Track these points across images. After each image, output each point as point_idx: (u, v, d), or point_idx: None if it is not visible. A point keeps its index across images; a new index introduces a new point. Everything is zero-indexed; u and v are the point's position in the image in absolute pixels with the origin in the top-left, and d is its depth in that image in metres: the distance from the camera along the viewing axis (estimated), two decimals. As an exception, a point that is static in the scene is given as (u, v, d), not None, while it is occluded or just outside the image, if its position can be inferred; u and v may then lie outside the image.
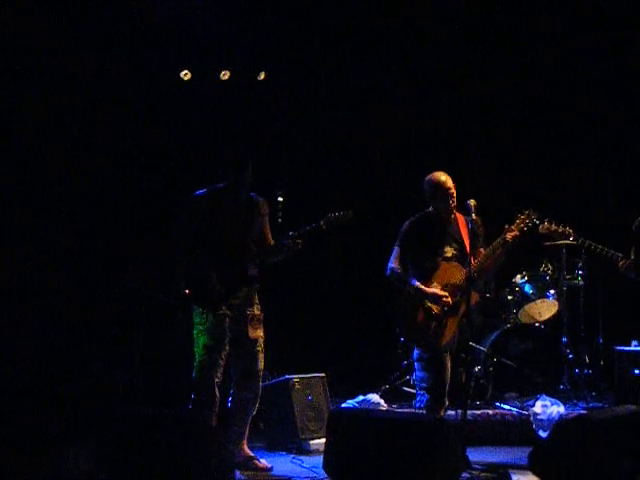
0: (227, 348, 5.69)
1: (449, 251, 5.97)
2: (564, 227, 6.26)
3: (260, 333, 5.81)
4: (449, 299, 5.84)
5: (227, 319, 5.68)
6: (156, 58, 8.15)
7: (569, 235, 6.26)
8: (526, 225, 5.82)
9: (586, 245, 6.24)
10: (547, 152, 8.94)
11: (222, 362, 5.69)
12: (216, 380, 5.66)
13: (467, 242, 5.91)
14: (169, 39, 8.08)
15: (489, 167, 8.87)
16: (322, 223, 5.78)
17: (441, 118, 8.97)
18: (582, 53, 8.51)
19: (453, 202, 5.94)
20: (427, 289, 5.88)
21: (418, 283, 5.89)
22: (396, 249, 6.05)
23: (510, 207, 6.04)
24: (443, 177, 5.95)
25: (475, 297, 5.90)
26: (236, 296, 5.73)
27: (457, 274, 5.89)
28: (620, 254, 6.19)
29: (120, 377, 7.23)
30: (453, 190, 5.92)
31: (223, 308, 5.67)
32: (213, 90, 8.52)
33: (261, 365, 5.83)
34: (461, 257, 5.93)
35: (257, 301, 5.86)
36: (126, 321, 7.33)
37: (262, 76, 8.66)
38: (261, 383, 5.90)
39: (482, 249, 5.94)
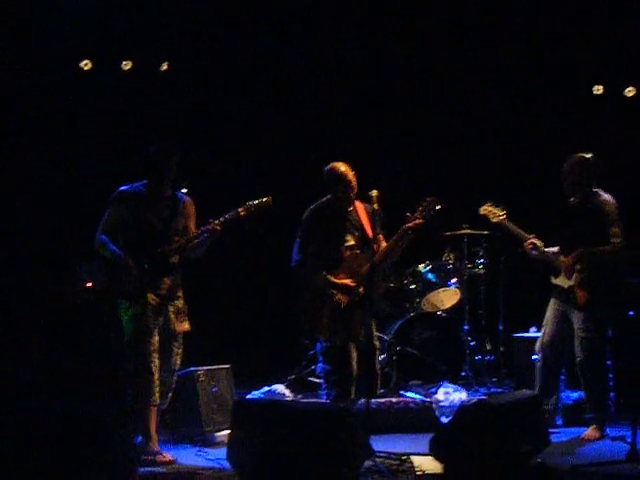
0: (156, 337, 5.67)
1: (351, 239, 5.96)
2: (501, 210, 6.45)
3: (186, 326, 5.84)
4: (360, 290, 5.85)
5: (150, 308, 5.67)
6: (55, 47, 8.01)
7: (502, 216, 6.44)
8: (429, 212, 5.84)
9: (509, 228, 6.41)
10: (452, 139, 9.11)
11: (155, 347, 5.66)
12: (153, 366, 5.63)
13: (368, 229, 5.95)
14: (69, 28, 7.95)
15: (392, 155, 8.98)
16: (240, 210, 5.81)
17: (342, 107, 9.03)
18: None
19: (353, 192, 5.96)
20: (338, 281, 5.88)
21: (326, 275, 5.89)
22: (299, 240, 6.01)
23: (414, 195, 6.08)
24: (343, 167, 5.95)
25: (381, 286, 5.95)
26: (158, 287, 5.72)
27: (362, 263, 5.90)
28: (535, 240, 6.37)
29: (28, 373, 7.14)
30: (353, 180, 5.93)
31: (146, 297, 5.66)
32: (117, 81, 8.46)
33: (178, 360, 5.85)
34: (362, 245, 5.95)
35: (181, 294, 5.86)
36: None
37: (165, 67, 8.61)
38: (174, 379, 5.87)
39: (381, 235, 5.98)
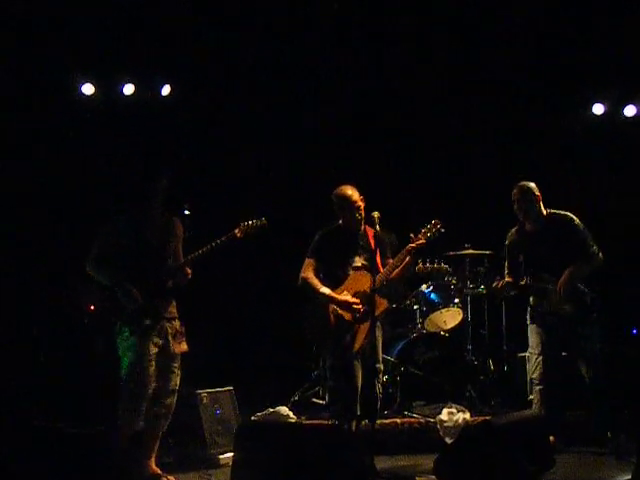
0: (153, 363, 5.66)
1: (359, 261, 6.01)
2: (439, 264, 6.54)
3: (184, 347, 5.84)
4: (359, 306, 5.87)
5: (150, 334, 5.67)
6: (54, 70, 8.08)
7: (446, 272, 6.69)
8: (433, 234, 5.89)
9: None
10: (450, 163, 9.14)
11: (151, 376, 5.64)
12: (145, 395, 5.62)
13: (377, 253, 5.95)
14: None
15: (393, 176, 9.01)
16: (237, 231, 5.85)
17: (348, 129, 9.08)
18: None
19: (360, 215, 5.99)
20: (338, 296, 5.92)
21: (329, 290, 5.92)
22: (307, 260, 6.06)
23: (417, 218, 6.12)
24: (349, 191, 6.00)
25: (384, 305, 5.95)
26: (158, 310, 5.73)
27: (366, 282, 5.88)
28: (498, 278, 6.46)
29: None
30: (360, 203, 5.99)
31: (144, 323, 5.65)
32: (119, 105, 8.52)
33: (177, 381, 5.82)
34: (370, 267, 5.93)
35: (177, 315, 5.86)
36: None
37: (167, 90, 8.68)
38: (175, 399, 5.85)
39: (391, 260, 5.99)
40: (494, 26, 8.62)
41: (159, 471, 5.80)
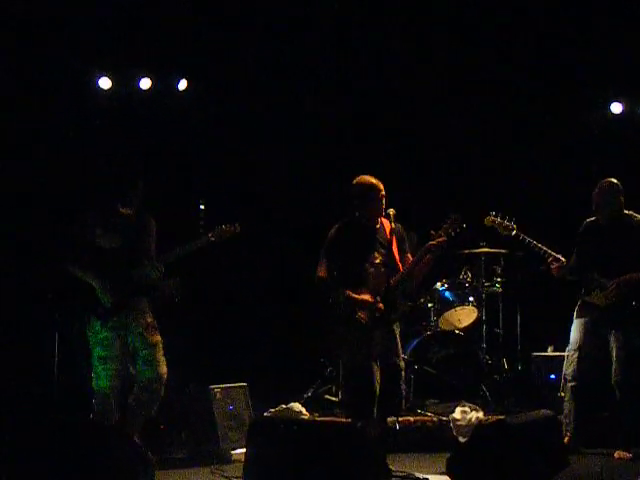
0: (122, 357, 5.76)
1: (377, 257, 5.80)
2: (508, 221, 6.42)
3: (158, 338, 5.86)
4: (380, 306, 5.71)
5: (120, 329, 5.76)
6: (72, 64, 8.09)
7: (512, 229, 6.41)
8: (454, 230, 5.76)
9: (527, 242, 6.37)
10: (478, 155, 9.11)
11: (116, 372, 5.75)
12: (112, 391, 5.73)
13: (395, 248, 5.86)
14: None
15: (408, 173, 8.98)
16: (210, 235, 5.95)
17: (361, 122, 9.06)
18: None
19: (383, 205, 5.86)
20: (357, 297, 5.73)
21: (348, 291, 5.74)
22: (323, 257, 5.91)
23: (437, 213, 6.06)
24: (374, 180, 5.87)
25: (405, 305, 5.89)
26: (128, 306, 5.79)
27: (385, 281, 5.75)
28: (558, 255, 6.35)
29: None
30: (384, 192, 5.86)
31: (114, 319, 5.74)
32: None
33: (165, 368, 5.84)
34: (388, 262, 5.79)
35: (149, 310, 5.90)
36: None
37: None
38: (161, 386, 5.87)
39: (410, 255, 5.91)
40: (498, 26, 8.61)
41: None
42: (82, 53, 8.15)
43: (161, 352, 5.85)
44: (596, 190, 6.44)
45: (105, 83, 8.51)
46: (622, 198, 6.40)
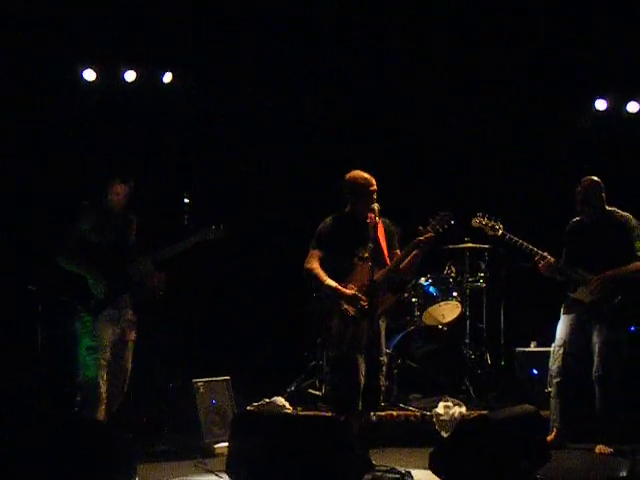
0: (109, 350, 5.88)
1: (365, 251, 5.79)
2: (495, 221, 6.44)
3: (133, 335, 6.05)
4: (365, 301, 5.69)
5: (108, 321, 5.89)
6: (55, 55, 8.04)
7: (498, 229, 6.43)
8: (442, 226, 5.78)
9: (513, 241, 6.39)
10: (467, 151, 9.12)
11: (105, 362, 5.86)
12: (101, 380, 5.82)
13: (384, 243, 5.86)
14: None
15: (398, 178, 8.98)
16: (192, 237, 6.04)
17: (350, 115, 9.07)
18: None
19: (374, 201, 5.83)
20: (345, 290, 5.74)
21: (335, 284, 5.75)
22: (312, 250, 5.91)
23: (425, 208, 6.06)
24: (366, 174, 5.87)
25: (391, 299, 5.89)
26: (119, 302, 5.96)
27: (372, 275, 5.71)
28: (544, 253, 6.36)
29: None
30: (376, 188, 5.85)
31: (106, 311, 5.88)
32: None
33: (130, 365, 6.04)
34: (376, 258, 5.76)
35: (131, 306, 6.04)
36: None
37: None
38: (127, 384, 6.04)
39: (398, 251, 5.91)
40: (494, 26, 8.61)
41: None
42: (66, 45, 8.10)
43: (132, 350, 6.04)
44: (578, 188, 6.47)
45: (89, 75, 8.46)
46: (604, 195, 6.43)
